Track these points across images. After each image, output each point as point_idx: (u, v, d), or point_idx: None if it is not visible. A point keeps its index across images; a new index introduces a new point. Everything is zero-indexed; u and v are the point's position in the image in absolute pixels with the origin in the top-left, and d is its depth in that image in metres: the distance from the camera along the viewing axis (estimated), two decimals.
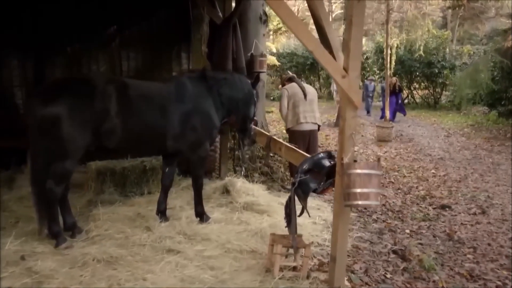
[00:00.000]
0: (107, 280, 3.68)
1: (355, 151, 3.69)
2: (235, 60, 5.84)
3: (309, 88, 6.59)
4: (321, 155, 4.04)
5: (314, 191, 3.87)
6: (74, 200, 5.45)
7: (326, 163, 3.87)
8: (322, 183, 3.77)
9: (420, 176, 8.84)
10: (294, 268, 4.01)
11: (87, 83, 4.40)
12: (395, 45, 15.66)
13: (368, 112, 19.21)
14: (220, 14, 6.22)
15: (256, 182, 6.46)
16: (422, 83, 21.70)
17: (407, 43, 18.12)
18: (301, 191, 3.91)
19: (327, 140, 12.34)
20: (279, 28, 23.78)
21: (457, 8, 19.26)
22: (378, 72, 21.98)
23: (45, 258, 3.97)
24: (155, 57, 7.15)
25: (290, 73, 7.04)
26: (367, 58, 23.18)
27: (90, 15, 6.49)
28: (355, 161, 3.57)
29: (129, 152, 5.34)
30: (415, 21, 15.11)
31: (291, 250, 4.08)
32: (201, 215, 5.01)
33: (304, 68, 25.83)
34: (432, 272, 4.53)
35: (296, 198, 3.94)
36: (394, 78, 16.95)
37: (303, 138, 6.17)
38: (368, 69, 23.37)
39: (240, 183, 5.79)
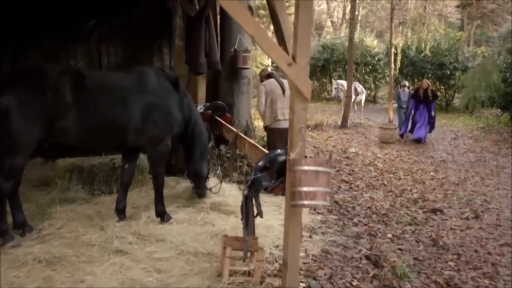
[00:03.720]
0: (41, 281, 3.45)
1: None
2: (208, 54, 5.57)
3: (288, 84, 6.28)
4: (279, 151, 3.74)
5: (265, 189, 3.60)
6: (38, 198, 5.29)
7: (281, 159, 3.57)
8: (272, 181, 3.48)
9: (417, 178, 8.45)
10: (250, 273, 3.74)
11: (39, 73, 4.19)
12: (401, 45, 15.15)
13: (402, 131, 12.80)
14: (197, 6, 5.97)
15: (234, 182, 6.20)
16: (434, 85, 21.11)
17: (419, 43, 17.53)
18: (254, 190, 3.63)
19: (326, 141, 11.97)
20: None
21: (466, 7, 18.64)
22: (396, 75, 21.36)
23: None
24: (135, 52, 6.90)
25: (269, 69, 6.76)
26: (378, 60, 22.69)
27: (68, 8, 6.30)
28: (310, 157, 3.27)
29: (88, 148, 5.11)
30: (421, 20, 14.58)
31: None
32: (162, 215, 4.75)
33: (315, 69, 25.40)
34: (405, 280, 4.20)
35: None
36: (425, 81, 13.04)
37: (281, 136, 5.84)
38: (379, 71, 22.87)
39: (212, 182, 5.51)
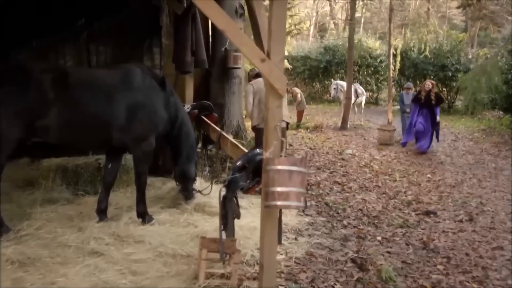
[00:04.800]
0: (11, 283, 3.37)
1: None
2: (195, 52, 5.49)
3: None
4: (258, 150, 3.65)
5: (242, 189, 3.50)
6: (21, 198, 5.23)
7: (258, 159, 3.47)
8: (248, 181, 3.38)
9: (413, 180, 8.31)
10: (228, 276, 3.64)
11: (20, 72, 4.13)
12: (400, 45, 14.98)
13: (405, 139, 11.52)
14: (185, 5, 5.88)
15: (221, 182, 6.10)
16: (436, 87, 20.91)
17: (419, 44, 17.34)
18: (231, 191, 3.54)
19: (324, 142, 11.85)
20: (290, 31, 23.36)
21: (467, 8, 18.46)
22: (396, 77, 21.17)
23: None
24: (125, 51, 6.85)
25: (257, 69, 6.65)
26: (381, 62, 22.52)
27: (56, 7, 6.24)
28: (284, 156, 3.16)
29: (72, 146, 5.05)
30: (420, 21, 14.41)
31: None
32: (143, 216, 4.66)
33: (317, 71, 25.29)
34: (390, 284, 4.08)
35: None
36: (428, 82, 11.15)
37: None
38: (382, 72, 22.71)
39: (198, 183, 5.42)
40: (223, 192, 3.59)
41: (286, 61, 22.90)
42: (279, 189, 2.92)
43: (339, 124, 15.02)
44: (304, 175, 2.99)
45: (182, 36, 5.43)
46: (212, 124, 5.22)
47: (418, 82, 20.20)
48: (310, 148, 10.44)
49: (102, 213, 4.66)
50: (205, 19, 7.06)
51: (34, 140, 4.47)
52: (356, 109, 15.96)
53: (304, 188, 3.00)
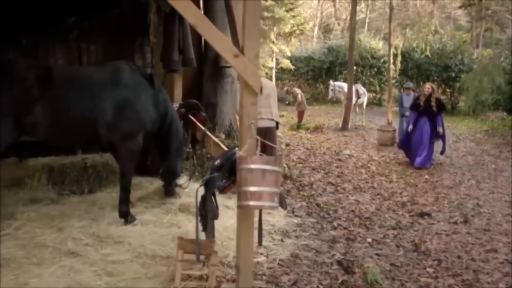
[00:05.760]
0: None
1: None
2: (183, 51, 5.40)
3: (266, 82, 6.08)
4: (237, 149, 3.55)
5: (218, 189, 3.41)
6: (6, 198, 5.13)
7: (234, 158, 3.38)
8: (224, 181, 3.29)
9: (409, 181, 8.18)
10: (207, 278, 3.55)
11: (4, 69, 4.08)
12: (401, 45, 14.83)
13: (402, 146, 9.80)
14: None
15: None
16: (439, 88, 20.72)
17: (420, 45, 17.16)
18: (208, 190, 3.45)
19: (322, 143, 11.74)
20: (293, 31, 23.21)
21: (469, 8, 18.25)
22: (397, 77, 21.02)
23: None
24: (116, 50, 6.80)
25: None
26: (384, 62, 22.36)
27: (47, 5, 6.19)
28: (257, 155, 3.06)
29: (59, 144, 4.99)
30: (420, 20, 14.24)
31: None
32: (125, 216, 4.57)
33: (321, 72, 25.17)
34: (375, 287, 3.96)
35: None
36: (428, 86, 9.47)
37: (258, 136, 5.62)
38: (385, 73, 22.54)
39: (183, 181, 5.34)
40: (202, 192, 3.50)
41: (289, 61, 22.81)
42: (252, 188, 2.82)
43: (341, 125, 14.92)
44: (278, 175, 2.89)
45: (170, 35, 5.35)
46: (198, 123, 5.13)
47: (421, 83, 20.05)
48: (307, 149, 10.33)
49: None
50: None
51: (23, 139, 4.43)
52: (357, 109, 15.85)
53: (278, 187, 2.90)
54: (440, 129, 9.06)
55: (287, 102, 21.43)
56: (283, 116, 18.33)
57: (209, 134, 4.62)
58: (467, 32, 27.41)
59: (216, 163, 3.52)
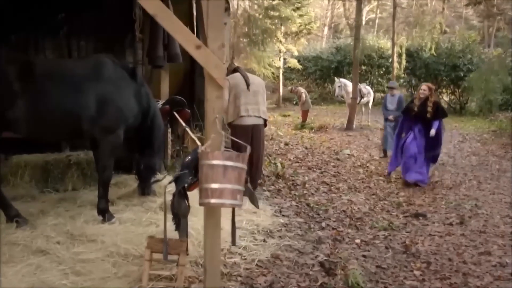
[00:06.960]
0: None
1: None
2: (167, 46, 5.29)
3: (254, 79, 5.93)
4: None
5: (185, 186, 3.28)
6: None
7: None
8: (191, 178, 3.16)
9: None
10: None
11: None
12: (405, 44, 14.58)
13: (390, 168, 8.15)
14: None
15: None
16: (448, 88, 20.40)
17: (429, 44, 16.89)
18: (177, 188, 3.33)
19: (323, 142, 11.56)
20: (301, 31, 23.04)
21: (476, 6, 17.92)
22: (403, 76, 20.74)
23: None
24: (107, 46, 6.69)
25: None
26: (392, 62, 22.08)
27: (36, 1, 6.13)
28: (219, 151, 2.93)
29: (42, 139, 4.90)
30: (423, 19, 13.99)
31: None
32: (104, 213, 4.46)
33: (329, 71, 24.97)
34: None
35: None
36: (424, 86, 7.66)
37: (245, 134, 5.48)
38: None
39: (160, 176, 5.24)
40: (173, 189, 3.38)
41: (296, 61, 22.61)
42: (213, 185, 2.70)
43: (345, 125, 14.74)
44: (241, 171, 2.76)
45: (154, 30, 5.25)
46: (180, 119, 5.01)
47: (430, 82, 19.74)
48: (306, 148, 10.17)
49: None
50: (189, 14, 6.88)
51: (5, 136, 4.35)
52: (363, 109, 15.64)
53: (241, 185, 2.76)
54: (432, 131, 7.43)
55: (295, 102, 21.25)
56: (288, 115, 18.22)
57: (188, 131, 4.49)
58: (479, 31, 27.01)
59: (186, 159, 3.40)
